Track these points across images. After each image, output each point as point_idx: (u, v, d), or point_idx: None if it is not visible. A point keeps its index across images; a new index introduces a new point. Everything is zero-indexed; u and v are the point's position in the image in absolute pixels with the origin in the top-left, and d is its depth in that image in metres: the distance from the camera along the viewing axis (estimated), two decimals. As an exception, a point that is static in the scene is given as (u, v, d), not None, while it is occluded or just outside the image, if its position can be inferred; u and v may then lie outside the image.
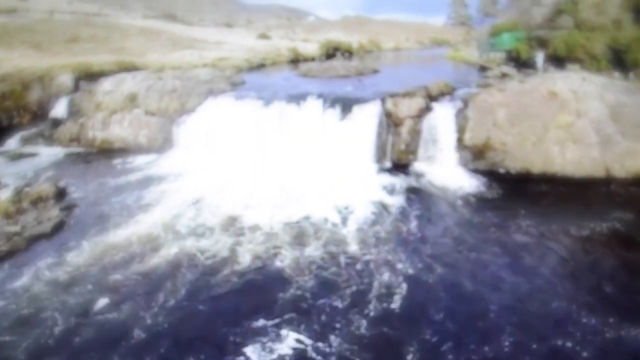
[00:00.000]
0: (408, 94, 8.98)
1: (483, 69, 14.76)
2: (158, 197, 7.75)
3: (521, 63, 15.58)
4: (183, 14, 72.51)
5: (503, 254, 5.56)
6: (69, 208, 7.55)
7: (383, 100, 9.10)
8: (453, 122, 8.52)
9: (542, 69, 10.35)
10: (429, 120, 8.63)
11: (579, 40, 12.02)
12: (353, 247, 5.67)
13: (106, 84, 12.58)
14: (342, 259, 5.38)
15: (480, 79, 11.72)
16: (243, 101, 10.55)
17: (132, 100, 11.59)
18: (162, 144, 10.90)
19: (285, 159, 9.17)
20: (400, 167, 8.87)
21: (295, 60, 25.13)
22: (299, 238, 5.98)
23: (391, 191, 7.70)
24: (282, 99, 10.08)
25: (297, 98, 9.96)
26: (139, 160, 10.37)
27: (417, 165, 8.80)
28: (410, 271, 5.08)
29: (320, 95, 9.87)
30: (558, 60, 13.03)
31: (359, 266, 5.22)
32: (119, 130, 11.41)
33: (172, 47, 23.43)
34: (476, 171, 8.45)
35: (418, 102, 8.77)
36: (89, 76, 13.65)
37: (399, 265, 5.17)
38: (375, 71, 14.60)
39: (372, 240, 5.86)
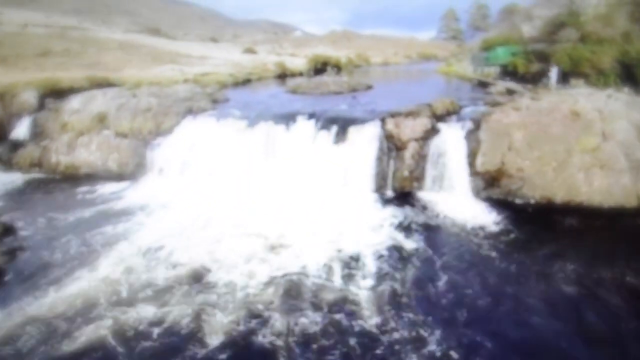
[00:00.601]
0: (411, 113, 8.01)
1: (483, 84, 14.13)
2: (117, 239, 6.36)
3: (520, 77, 15.10)
4: (168, 29, 71.82)
5: (551, 314, 4.43)
6: (11, 252, 6.11)
7: (383, 121, 8.09)
8: (463, 145, 7.55)
9: (556, 85, 9.61)
10: (435, 143, 7.64)
11: (584, 54, 11.48)
12: (365, 316, 4.40)
13: (74, 102, 11.22)
14: (353, 337, 4.11)
15: (484, 96, 10.96)
16: (225, 121, 9.38)
17: (101, 120, 10.24)
18: (134, 170, 9.53)
19: (272, 189, 7.95)
20: (403, 196, 7.79)
21: (283, 75, 24.33)
22: (290, 301, 4.70)
23: (398, 228, 6.55)
24: (268, 119, 8.96)
25: (286, 118, 8.87)
26: (107, 188, 8.96)
27: (423, 195, 7.74)
28: (450, 354, 3.84)
29: (311, 115, 8.81)
30: (562, 75, 12.48)
31: (377, 348, 3.96)
32: (85, 154, 10.00)
33: (152, 61, 22.22)
34: (489, 200, 7.45)
35: (423, 123, 7.79)
36: (57, 93, 12.22)
37: (432, 347, 3.93)
38: (369, 87, 13.77)
39: (388, 304, 4.62)
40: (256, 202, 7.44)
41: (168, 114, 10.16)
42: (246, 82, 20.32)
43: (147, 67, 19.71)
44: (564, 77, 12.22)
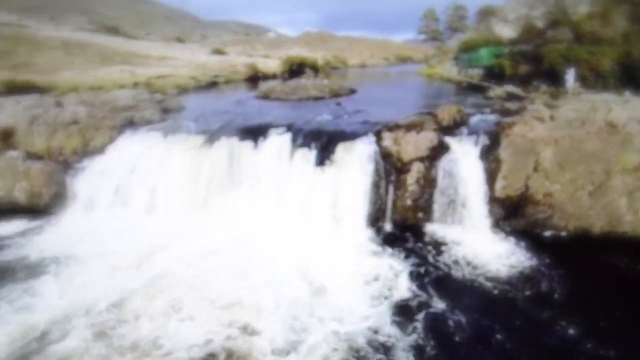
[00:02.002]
0: (413, 126, 6.37)
1: (475, 87, 12.94)
2: (4, 318, 4.11)
3: (508, 79, 14.19)
4: (131, 28, 66.81)
5: None
6: None
7: (378, 135, 6.39)
8: (479, 166, 6.03)
9: (572, 90, 8.44)
10: (444, 164, 6.04)
11: (581, 55, 10.56)
12: None
13: (-28, 114, 8.50)
14: None
15: (484, 101, 9.64)
16: (175, 138, 7.24)
17: (5, 138, 7.67)
18: (49, 202, 7.11)
19: (238, 229, 5.98)
20: (405, 230, 6.12)
21: (254, 78, 22.20)
22: None
23: (399, 278, 4.88)
24: (232, 134, 6.97)
25: (255, 132, 6.93)
26: (9, 228, 6.56)
27: (430, 228, 6.12)
28: None
29: (287, 128, 6.93)
30: (554, 77, 11.56)
31: None
32: (-21, 185, 7.40)
33: (99, 62, 19.21)
34: (512, 233, 5.98)
35: (428, 138, 6.18)
36: None
37: None
38: (353, 91, 12.12)
39: None
40: (213, 248, 5.40)
41: (100, 128, 7.83)
42: (211, 85, 18.02)
43: (92, 69, 16.83)
44: (556, 79, 11.30)
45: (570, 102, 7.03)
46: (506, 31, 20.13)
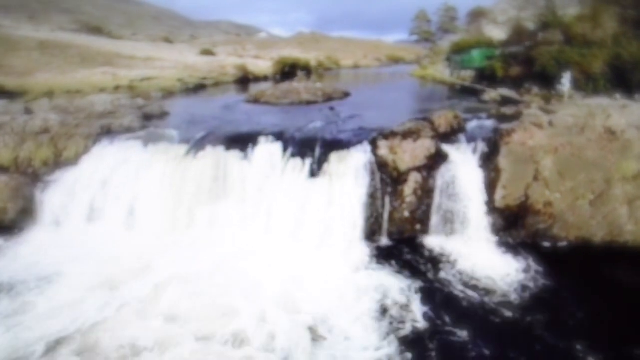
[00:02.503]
0: (409, 133, 6.06)
1: (469, 90, 12.79)
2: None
3: (499, 82, 14.14)
4: (118, 28, 65.12)
5: None
6: None
7: (373, 144, 6.06)
8: (478, 174, 5.76)
9: (568, 94, 8.30)
10: (443, 173, 5.76)
11: (573, 57, 10.49)
12: None
13: None
14: None
15: (479, 105, 9.46)
16: (156, 147, 6.75)
17: (-36, 149, 7.05)
18: (15, 219, 6.52)
19: (222, 246, 5.56)
20: (402, 244, 5.82)
21: (245, 80, 21.66)
22: None
23: (395, 294, 4.58)
24: (218, 143, 6.53)
25: (243, 141, 6.50)
26: None
27: (429, 241, 5.83)
28: None
29: (278, 136, 6.53)
30: (545, 80, 11.50)
31: None
32: (-63, 200, 6.75)
33: (79, 64, 18.38)
34: (514, 244, 5.75)
35: (425, 146, 5.88)
36: None
37: None
38: (347, 94, 11.79)
39: None
40: (196, 273, 4.95)
41: (73, 136, 7.25)
42: (199, 87, 17.43)
43: (71, 71, 16.04)
44: (548, 82, 11.24)
45: (566, 107, 6.86)
46: (497, 32, 20.22)
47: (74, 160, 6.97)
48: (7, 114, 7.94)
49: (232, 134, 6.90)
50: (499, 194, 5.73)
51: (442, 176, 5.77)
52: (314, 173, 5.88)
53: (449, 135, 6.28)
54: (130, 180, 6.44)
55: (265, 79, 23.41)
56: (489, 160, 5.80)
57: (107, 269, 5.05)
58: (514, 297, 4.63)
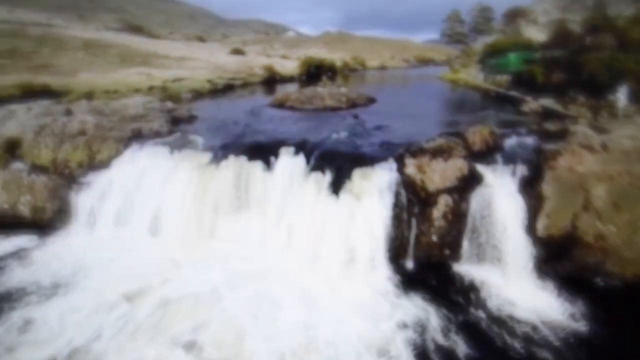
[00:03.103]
0: (439, 151, 5.65)
1: (508, 99, 11.91)
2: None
3: (539, 89, 13.06)
4: (156, 26, 68.63)
5: None
6: None
7: (400, 161, 5.72)
8: (517, 201, 5.25)
9: (624, 110, 7.45)
10: (477, 198, 5.30)
11: (628, 65, 9.40)
12: None
13: (-14, 121, 8.49)
14: None
15: (518, 117, 8.74)
16: (182, 155, 6.84)
17: (11, 148, 7.55)
18: (52, 218, 6.90)
19: (241, 262, 5.49)
20: (429, 269, 5.45)
21: (271, 81, 21.80)
22: None
23: (420, 330, 4.24)
24: (241, 152, 6.48)
25: (266, 151, 6.40)
26: (12, 243, 6.41)
27: (458, 268, 5.41)
28: None
29: (300, 147, 6.37)
30: (593, 89, 10.40)
31: None
32: (-14, 196, 7.31)
33: (119, 64, 19.38)
34: (556, 278, 5.18)
35: (457, 166, 5.45)
36: None
37: None
38: (372, 101, 11.41)
39: None
40: (214, 290, 4.91)
41: (107, 139, 7.55)
42: (227, 88, 17.72)
43: (110, 71, 16.92)
44: (597, 91, 10.15)
45: (622, 125, 6.09)
46: (536, 34, 18.77)
47: (106, 163, 7.25)
48: (49, 115, 8.43)
49: (255, 143, 6.84)
50: (541, 222, 5.19)
51: (475, 200, 5.32)
52: (335, 190, 5.65)
53: (484, 154, 5.78)
54: (156, 187, 6.57)
55: (291, 79, 23.45)
56: (530, 186, 5.26)
57: (128, 279, 5.15)
58: (557, 344, 4.15)
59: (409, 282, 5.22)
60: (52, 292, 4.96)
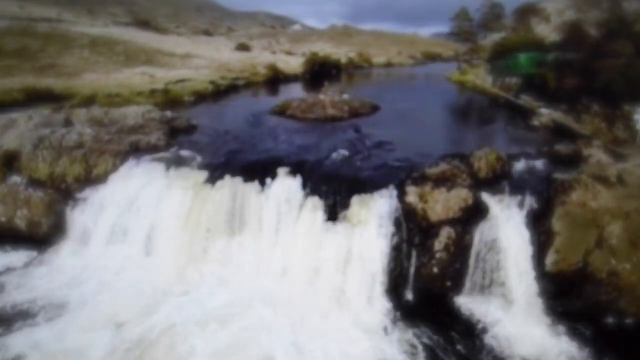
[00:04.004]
0: (442, 178, 5.38)
1: (517, 108, 11.40)
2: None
3: (551, 94, 12.49)
4: (164, 19, 68.34)
5: None
6: None
7: (400, 188, 5.47)
8: (524, 234, 4.98)
9: None
10: (482, 230, 5.05)
11: (645, 73, 8.88)
12: None
13: (-14, 130, 8.46)
14: None
15: (527, 133, 8.35)
16: (177, 173, 6.69)
17: (9, 162, 7.50)
18: (48, 232, 6.89)
19: (234, 289, 5.37)
20: (431, 302, 5.25)
21: (275, 80, 21.47)
22: None
23: None
24: (237, 172, 6.30)
25: (262, 171, 6.20)
26: (8, 258, 6.46)
27: (460, 301, 5.21)
28: None
29: (297, 168, 6.15)
30: (608, 97, 9.86)
31: None
32: (-16, 209, 7.30)
33: (124, 62, 19.22)
34: (566, 315, 4.93)
35: (461, 196, 5.19)
36: None
37: None
38: (375, 108, 11.06)
39: None
40: (203, 321, 4.79)
41: (103, 153, 7.43)
42: (230, 89, 17.49)
43: (114, 71, 16.78)
44: (612, 100, 9.64)
45: (643, 151, 5.71)
46: (549, 33, 18.00)
47: (103, 178, 7.15)
48: (48, 126, 8.35)
49: (251, 163, 6.65)
50: (550, 257, 4.92)
51: (480, 232, 5.08)
52: (333, 217, 5.45)
53: (491, 182, 5.49)
54: (151, 206, 6.46)
55: (295, 78, 23.08)
56: (539, 220, 4.98)
57: (119, 304, 5.08)
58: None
59: (408, 314, 5.04)
60: (40, 318, 4.90)
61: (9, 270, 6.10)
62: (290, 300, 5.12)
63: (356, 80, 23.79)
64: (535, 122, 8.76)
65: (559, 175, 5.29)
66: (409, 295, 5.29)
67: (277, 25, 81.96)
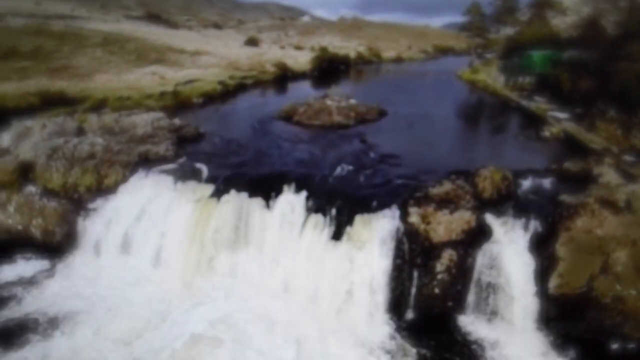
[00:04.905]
0: (446, 200, 5.36)
1: (528, 115, 11.06)
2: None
3: (565, 97, 12.04)
4: (175, 10, 68.50)
5: None
6: None
7: (403, 209, 5.48)
8: (528, 259, 4.95)
9: None
10: (485, 252, 5.04)
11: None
12: None
13: (5, 138, 8.78)
14: None
15: (536, 144, 8.14)
16: (185, 185, 6.85)
17: (25, 172, 7.79)
18: (61, 241, 7.17)
19: (237, 303, 5.54)
20: (432, 321, 5.31)
21: (283, 78, 21.39)
22: None
23: None
24: (242, 186, 6.40)
25: (267, 186, 6.29)
26: (23, 268, 6.79)
27: (463, 322, 5.24)
28: None
29: (301, 183, 6.21)
30: (625, 102, 9.46)
31: None
32: (2, 216, 7.60)
33: (135, 61, 19.44)
34: (569, 338, 4.93)
35: (464, 219, 5.17)
36: None
37: None
38: (382, 114, 10.94)
39: None
40: (207, 336, 4.99)
41: (114, 164, 7.65)
42: (239, 88, 17.54)
43: (126, 71, 17.02)
44: (626, 105, 9.25)
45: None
46: (565, 27, 17.26)
47: (113, 189, 7.37)
48: (61, 134, 8.60)
49: (256, 177, 6.73)
50: (554, 282, 4.89)
51: (483, 255, 5.07)
52: (335, 235, 5.51)
53: (495, 203, 5.44)
54: (160, 218, 6.65)
55: (303, 75, 22.96)
56: (542, 245, 4.93)
57: (128, 317, 5.32)
58: None
59: (409, 333, 5.11)
60: (53, 330, 5.15)
61: (25, 279, 6.42)
62: (291, 316, 5.26)
63: (365, 78, 23.47)
64: (546, 132, 8.53)
65: (565, 198, 5.19)
66: (411, 315, 5.36)
67: (287, 16, 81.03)
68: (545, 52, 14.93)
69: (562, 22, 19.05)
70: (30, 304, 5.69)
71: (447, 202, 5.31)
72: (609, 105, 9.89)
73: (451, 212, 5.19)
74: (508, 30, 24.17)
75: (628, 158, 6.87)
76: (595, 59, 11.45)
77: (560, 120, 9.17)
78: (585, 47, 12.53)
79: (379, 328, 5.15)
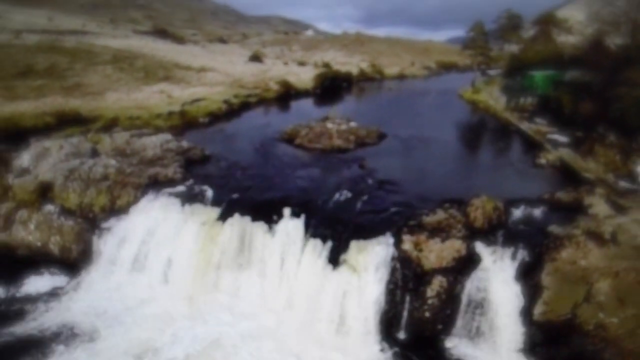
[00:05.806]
0: (438, 229, 5.67)
1: (527, 139, 11.32)
2: None
3: (566, 119, 12.19)
4: (181, 24, 70.81)
5: None
6: None
7: (397, 236, 5.79)
8: (515, 287, 5.21)
9: None
10: (473, 279, 5.32)
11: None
12: None
13: (25, 158, 9.30)
14: None
15: (532, 169, 8.42)
16: (192, 208, 7.24)
17: (44, 192, 8.26)
18: (77, 258, 7.60)
19: (240, 321, 5.84)
20: (422, 343, 5.55)
21: (286, 96, 22.06)
22: None
23: None
24: (246, 210, 6.78)
25: (269, 211, 6.66)
26: (42, 283, 7.24)
27: (452, 344, 5.48)
28: None
29: (301, 208, 6.57)
30: (625, 129, 9.61)
31: None
32: (23, 233, 8.07)
33: (144, 79, 20.27)
34: None
35: (455, 247, 5.47)
36: (16, 136, 10.35)
37: None
38: (381, 137, 11.35)
39: None
40: (209, 354, 5.28)
41: (126, 186, 8.10)
42: (243, 107, 18.17)
43: (135, 89, 17.77)
44: (627, 132, 9.41)
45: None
46: (570, 46, 17.54)
47: (125, 209, 7.80)
48: (77, 156, 9.11)
49: (259, 201, 7.11)
50: (539, 309, 5.14)
51: (471, 282, 5.34)
52: (332, 259, 5.83)
53: (486, 232, 5.74)
54: (168, 238, 7.03)
55: (306, 93, 23.61)
56: (528, 274, 5.20)
57: (139, 332, 5.67)
58: None
59: (399, 352, 5.37)
60: (72, 344, 5.51)
61: (43, 293, 6.80)
62: (290, 334, 5.54)
63: (366, 96, 24.05)
64: (542, 160, 8.78)
65: (554, 229, 5.48)
66: (402, 335, 5.62)
67: (290, 30, 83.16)
68: (548, 72, 15.23)
69: (567, 41, 19.38)
70: (48, 317, 6.05)
71: (439, 231, 5.63)
72: (609, 130, 10.01)
73: (443, 241, 5.50)
74: (512, 48, 24.59)
75: (624, 184, 7.13)
76: (597, 81, 11.56)
77: (557, 146, 9.44)
78: (589, 68, 12.66)
79: (372, 348, 5.41)
